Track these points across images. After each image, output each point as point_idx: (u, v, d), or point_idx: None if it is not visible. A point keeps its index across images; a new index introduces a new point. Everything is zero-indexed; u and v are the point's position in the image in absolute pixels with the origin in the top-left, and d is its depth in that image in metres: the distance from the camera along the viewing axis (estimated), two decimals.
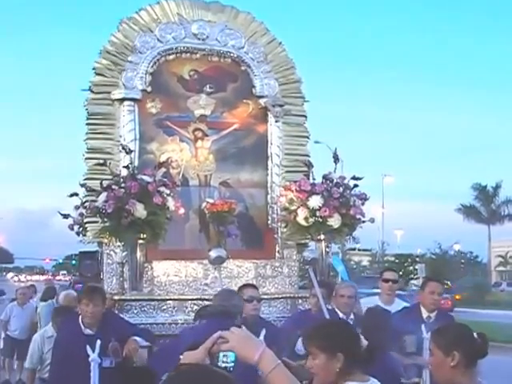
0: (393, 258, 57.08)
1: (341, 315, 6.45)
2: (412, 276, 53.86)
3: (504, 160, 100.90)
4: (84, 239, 8.18)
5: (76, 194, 9.14)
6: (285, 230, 8.24)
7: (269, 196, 8.49)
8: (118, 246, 7.76)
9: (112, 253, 7.77)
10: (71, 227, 9.37)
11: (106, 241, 7.76)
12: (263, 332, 6.02)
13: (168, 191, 7.09)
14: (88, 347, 5.53)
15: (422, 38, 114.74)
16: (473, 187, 58.74)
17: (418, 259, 56.79)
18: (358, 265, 59.65)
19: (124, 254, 7.74)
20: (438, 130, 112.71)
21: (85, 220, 7.96)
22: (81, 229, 9.22)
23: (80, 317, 5.71)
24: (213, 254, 6.21)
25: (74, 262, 32.43)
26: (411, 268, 56.55)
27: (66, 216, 9.44)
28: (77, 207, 9.35)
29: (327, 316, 6.17)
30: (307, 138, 8.80)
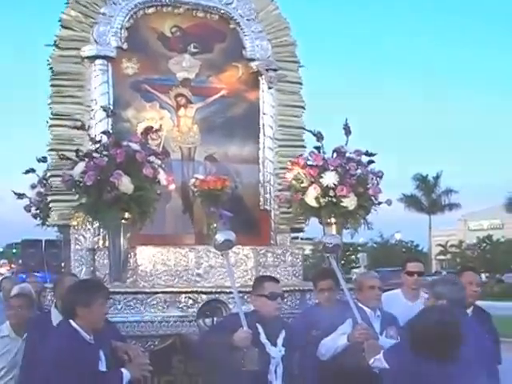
0: None
1: (368, 311, 5.42)
2: (354, 265, 53.79)
3: (445, 150, 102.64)
4: (48, 221, 6.92)
5: (33, 170, 7.94)
6: (278, 212, 7.27)
7: (261, 173, 7.45)
8: (89, 230, 6.62)
9: (81, 238, 6.68)
10: (28, 209, 8.12)
11: (74, 223, 6.60)
12: (282, 334, 5.00)
13: (159, 162, 5.91)
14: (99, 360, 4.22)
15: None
16: (414, 178, 59.16)
17: (359, 248, 56.83)
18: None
19: (96, 238, 6.62)
20: (380, 119, 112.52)
21: (48, 199, 6.74)
22: (38, 211, 8.01)
23: (76, 320, 4.27)
24: (220, 237, 5.00)
25: (14, 250, 30.64)
26: (353, 257, 56.60)
27: (20, 196, 8.17)
28: (33, 186, 8.13)
29: (356, 311, 5.16)
30: (303, 108, 7.79)
